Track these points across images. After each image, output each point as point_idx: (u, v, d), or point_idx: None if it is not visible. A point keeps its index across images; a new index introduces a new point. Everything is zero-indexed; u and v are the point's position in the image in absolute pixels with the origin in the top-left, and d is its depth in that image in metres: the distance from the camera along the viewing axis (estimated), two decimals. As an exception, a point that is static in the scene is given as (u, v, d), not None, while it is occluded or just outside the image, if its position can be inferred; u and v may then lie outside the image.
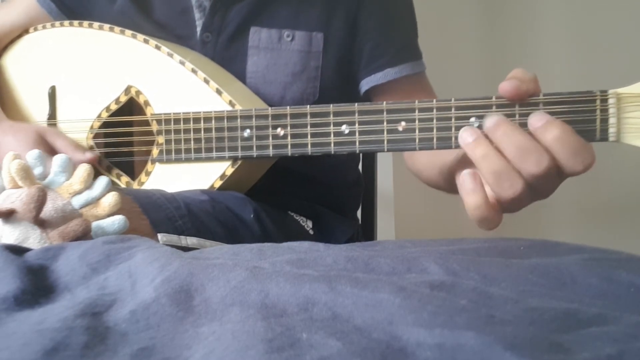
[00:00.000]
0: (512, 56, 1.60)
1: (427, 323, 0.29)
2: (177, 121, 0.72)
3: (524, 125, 0.51)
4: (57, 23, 0.85)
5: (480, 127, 0.54)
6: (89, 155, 0.76)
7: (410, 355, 0.27)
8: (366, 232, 1.10)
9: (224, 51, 0.81)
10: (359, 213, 1.09)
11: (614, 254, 0.42)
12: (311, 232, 0.86)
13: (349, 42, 0.83)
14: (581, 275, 0.37)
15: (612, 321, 0.31)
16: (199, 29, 0.81)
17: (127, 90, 0.78)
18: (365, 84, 0.84)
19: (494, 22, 1.65)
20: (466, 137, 0.50)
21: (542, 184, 0.48)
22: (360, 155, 1.09)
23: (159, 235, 0.59)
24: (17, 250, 0.44)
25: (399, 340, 0.28)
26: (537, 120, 0.48)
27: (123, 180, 0.79)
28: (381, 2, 0.84)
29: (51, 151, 0.75)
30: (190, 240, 0.62)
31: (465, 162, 0.56)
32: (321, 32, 0.81)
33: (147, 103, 0.76)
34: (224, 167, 0.72)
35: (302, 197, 0.87)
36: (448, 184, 0.68)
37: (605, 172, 1.51)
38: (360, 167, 1.08)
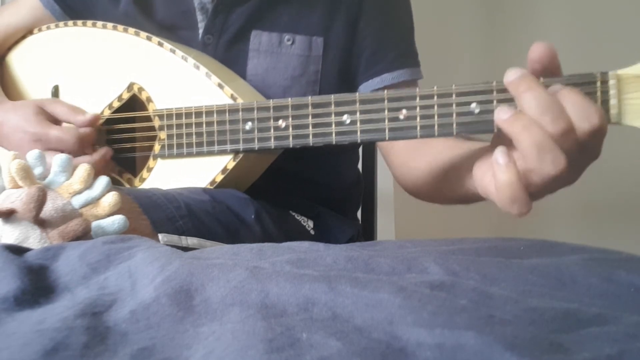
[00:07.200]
0: (513, 50, 1.59)
1: (427, 323, 0.29)
2: (178, 116, 0.72)
3: None
4: (61, 23, 0.86)
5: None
6: (89, 116, 0.76)
7: (410, 355, 0.27)
8: (366, 232, 1.10)
9: (224, 53, 0.81)
10: (359, 213, 1.08)
11: (614, 254, 0.42)
12: (312, 232, 0.86)
13: (348, 46, 0.83)
14: (581, 275, 0.37)
15: (612, 321, 0.31)
16: (200, 31, 0.81)
17: (130, 87, 0.78)
18: (363, 89, 0.85)
19: (494, 19, 1.65)
20: (502, 114, 0.48)
21: (569, 149, 0.46)
22: (360, 155, 1.09)
23: (160, 235, 0.59)
24: (17, 250, 0.44)
25: (399, 340, 0.28)
26: (557, 87, 0.48)
27: (125, 177, 0.79)
28: (381, 9, 0.84)
29: (53, 120, 0.76)
30: (191, 241, 0.62)
31: (475, 156, 0.56)
32: (321, 36, 0.82)
33: (149, 99, 0.77)
34: (226, 161, 0.72)
35: (303, 197, 0.87)
36: (435, 185, 0.67)
37: (605, 173, 1.50)
38: (360, 167, 1.08)
